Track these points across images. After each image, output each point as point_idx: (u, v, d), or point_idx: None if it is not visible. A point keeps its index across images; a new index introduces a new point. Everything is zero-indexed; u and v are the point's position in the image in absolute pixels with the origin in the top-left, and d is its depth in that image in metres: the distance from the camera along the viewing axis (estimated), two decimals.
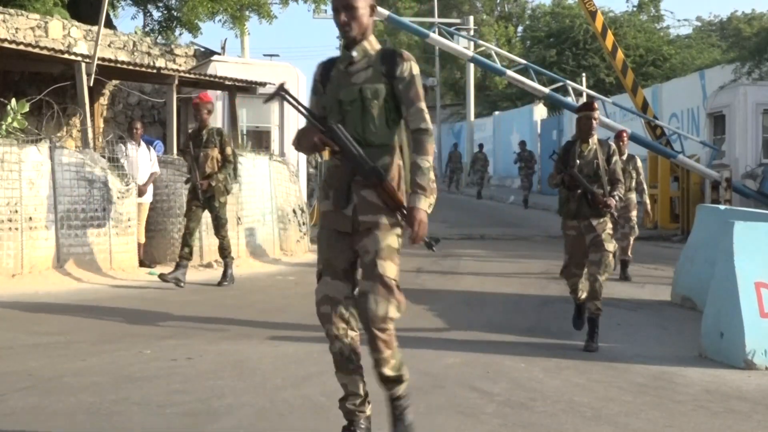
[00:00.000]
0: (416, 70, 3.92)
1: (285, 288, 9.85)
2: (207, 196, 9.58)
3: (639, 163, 10.93)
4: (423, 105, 3.89)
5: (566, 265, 7.02)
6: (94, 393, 4.92)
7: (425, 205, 3.82)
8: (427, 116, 3.91)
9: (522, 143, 25.80)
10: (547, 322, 7.94)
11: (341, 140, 3.76)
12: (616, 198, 6.85)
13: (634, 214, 10.77)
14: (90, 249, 9.86)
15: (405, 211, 3.80)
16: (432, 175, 3.89)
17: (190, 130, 10.49)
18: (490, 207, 24.40)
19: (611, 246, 6.77)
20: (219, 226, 9.76)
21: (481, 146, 29.52)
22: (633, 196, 10.73)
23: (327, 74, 4.00)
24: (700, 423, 4.64)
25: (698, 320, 6.68)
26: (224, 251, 9.82)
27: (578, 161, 6.91)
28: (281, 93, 3.93)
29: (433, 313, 8.11)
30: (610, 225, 6.86)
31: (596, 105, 7.15)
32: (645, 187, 11.37)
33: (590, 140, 6.99)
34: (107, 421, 4.41)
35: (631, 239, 10.77)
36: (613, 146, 7.15)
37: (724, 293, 6.19)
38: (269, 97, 4.12)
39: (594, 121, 6.99)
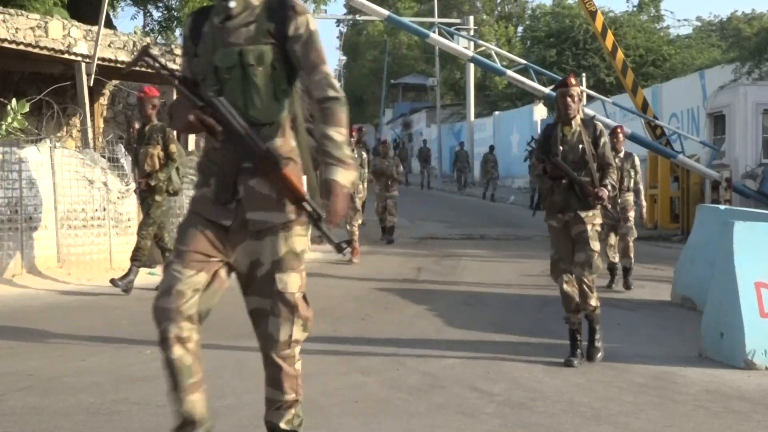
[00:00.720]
0: (314, 25, 3.17)
1: None
2: (144, 196, 8.98)
3: (637, 162, 10.26)
4: (327, 68, 3.18)
5: (554, 262, 6.30)
6: (94, 393, 4.92)
7: (345, 179, 3.13)
8: (335, 81, 3.20)
9: (533, 140, 25.08)
10: (547, 322, 7.94)
11: (224, 117, 3.06)
12: (608, 187, 6.13)
13: (631, 215, 10.08)
14: (90, 249, 9.87)
15: (308, 205, 3.17)
16: (349, 151, 3.18)
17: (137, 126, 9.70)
18: (491, 207, 24.39)
19: (597, 244, 6.14)
20: (144, 224, 8.97)
21: (491, 147, 28.78)
22: (630, 197, 10.11)
23: (198, 30, 3.21)
24: (700, 423, 4.64)
25: (698, 320, 6.67)
26: (136, 252, 8.87)
27: (561, 147, 6.16)
28: (145, 58, 3.15)
29: (433, 313, 8.11)
30: (599, 219, 6.23)
31: (575, 81, 6.29)
32: (641, 187, 10.52)
33: (572, 122, 6.22)
34: (107, 421, 4.41)
35: (630, 241, 10.00)
36: (600, 126, 6.35)
37: (724, 293, 6.19)
38: (131, 63, 3.41)
39: (571, 99, 6.16)
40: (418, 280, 10.52)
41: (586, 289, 6.17)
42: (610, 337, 7.20)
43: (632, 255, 9.97)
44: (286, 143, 3.18)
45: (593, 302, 6.24)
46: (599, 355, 6.18)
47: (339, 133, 3.12)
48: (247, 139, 3.05)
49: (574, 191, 6.09)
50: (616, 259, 10.00)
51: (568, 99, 6.16)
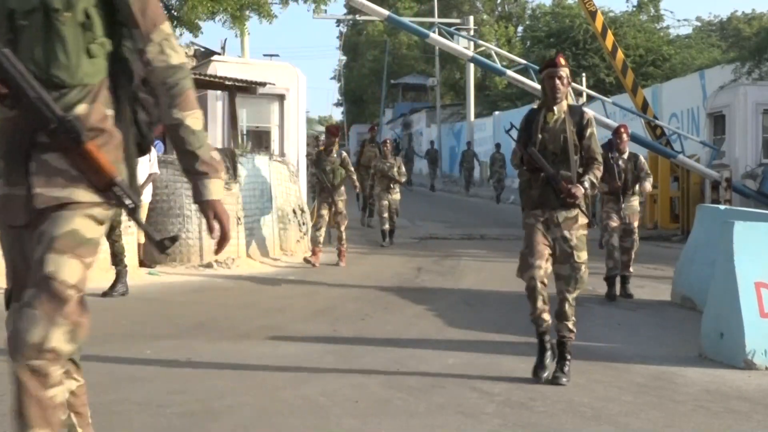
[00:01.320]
0: None
1: (285, 288, 9.85)
2: None
3: (643, 162, 9.37)
4: (168, 27, 2.56)
5: (522, 257, 5.48)
6: (94, 393, 4.90)
7: (219, 190, 2.63)
8: (178, 47, 2.60)
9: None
10: None
11: (11, 76, 2.40)
12: (587, 185, 5.40)
13: (636, 225, 9.31)
14: None
15: (120, 190, 2.56)
16: (208, 144, 2.65)
17: None
18: (491, 207, 24.40)
19: (584, 254, 5.42)
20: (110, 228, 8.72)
21: (498, 146, 27.90)
22: (635, 202, 9.27)
23: None
24: (700, 423, 4.64)
25: (698, 320, 6.67)
26: (114, 257, 8.89)
27: (540, 135, 5.45)
28: None
29: (433, 313, 8.11)
30: (584, 221, 5.48)
31: (565, 61, 5.57)
32: (649, 179, 9.36)
33: (556, 107, 5.49)
34: (107, 421, 4.41)
35: (633, 253, 9.32)
36: (589, 115, 5.69)
37: (724, 293, 6.19)
38: None
39: (560, 81, 5.47)
40: (418, 280, 10.52)
41: (567, 309, 5.46)
42: (611, 337, 7.21)
43: (632, 269, 9.37)
44: (97, 111, 2.53)
45: (570, 326, 5.50)
46: (565, 380, 5.39)
47: (195, 119, 2.58)
48: (38, 103, 2.41)
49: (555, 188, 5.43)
50: (618, 267, 9.17)
51: (557, 81, 5.47)
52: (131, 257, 10.37)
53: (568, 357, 5.52)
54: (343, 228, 11.98)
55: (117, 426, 4.33)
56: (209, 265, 10.98)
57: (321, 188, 12.14)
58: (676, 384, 5.52)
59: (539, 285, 5.36)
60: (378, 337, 6.93)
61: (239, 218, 11.51)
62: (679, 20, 66.79)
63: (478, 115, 35.68)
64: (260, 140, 14.87)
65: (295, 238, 12.95)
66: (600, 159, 5.59)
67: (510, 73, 16.37)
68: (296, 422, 4.47)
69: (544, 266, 5.39)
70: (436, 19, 28.69)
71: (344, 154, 12.58)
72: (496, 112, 35.17)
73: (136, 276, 10.13)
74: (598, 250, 9.69)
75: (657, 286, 9.97)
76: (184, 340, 6.61)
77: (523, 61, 17.67)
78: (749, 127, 17.01)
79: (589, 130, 5.55)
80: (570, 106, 5.63)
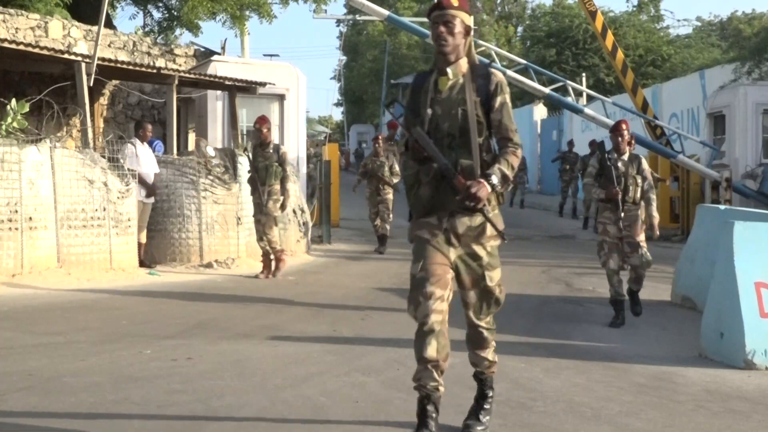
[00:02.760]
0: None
1: (285, 288, 9.84)
2: None
3: (645, 165, 7.94)
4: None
5: (414, 285, 4.02)
6: (94, 393, 4.92)
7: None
8: None
9: (570, 143, 21.48)
10: (546, 322, 7.94)
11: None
12: (494, 179, 3.86)
13: (642, 238, 7.78)
14: (90, 249, 9.86)
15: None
16: None
17: None
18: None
19: (498, 273, 4.14)
20: None
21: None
22: (638, 211, 7.84)
23: None
24: (700, 423, 4.64)
25: (698, 320, 6.67)
26: None
27: (430, 110, 3.98)
28: None
29: None
30: (499, 224, 4.05)
31: (458, 1, 3.97)
32: (653, 196, 7.94)
33: (451, 69, 3.98)
34: (107, 421, 4.41)
35: (643, 272, 7.85)
36: (499, 78, 4.03)
37: (724, 293, 6.19)
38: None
39: (446, 29, 3.93)
40: None
41: (484, 334, 4.27)
42: (611, 337, 7.21)
43: (641, 283, 7.98)
44: None
45: (490, 355, 4.33)
46: (480, 429, 4.27)
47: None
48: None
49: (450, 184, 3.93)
50: (623, 290, 7.81)
51: (441, 29, 3.95)
52: (131, 257, 10.39)
53: (490, 396, 4.37)
54: (270, 233, 10.49)
55: (117, 426, 4.33)
56: (209, 265, 10.98)
57: (253, 188, 10.57)
58: (676, 384, 5.52)
59: (438, 327, 3.96)
60: (378, 337, 6.92)
61: (239, 218, 11.52)
62: (679, 20, 66.86)
63: None
64: None
65: (295, 238, 12.95)
66: (517, 140, 4.05)
67: (510, 73, 16.37)
68: (297, 422, 4.47)
69: (446, 298, 4.01)
70: None
71: (282, 149, 10.79)
72: None
73: (136, 276, 10.13)
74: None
75: (657, 286, 9.96)
76: (184, 340, 6.61)
77: (523, 61, 17.68)
78: (749, 127, 17.02)
79: (498, 99, 4.02)
80: (472, 67, 4.06)
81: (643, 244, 7.76)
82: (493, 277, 4.14)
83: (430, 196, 4.03)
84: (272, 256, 10.54)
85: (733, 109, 17.17)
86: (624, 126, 7.91)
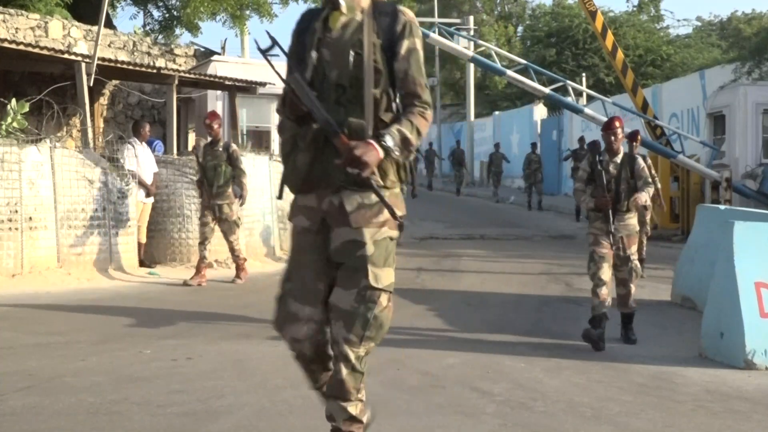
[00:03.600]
0: None
1: None
2: None
3: (642, 166, 7.10)
4: None
5: (281, 295, 3.34)
6: (94, 393, 4.92)
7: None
8: None
9: (581, 139, 20.16)
10: (547, 322, 7.94)
11: None
12: (389, 142, 3.06)
13: (634, 249, 7.07)
14: (90, 249, 9.86)
15: None
16: None
17: None
18: (491, 207, 24.38)
19: (388, 275, 3.18)
20: None
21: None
22: (633, 220, 7.06)
23: None
24: (700, 423, 4.64)
25: (698, 320, 6.68)
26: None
27: (315, 53, 3.19)
28: None
29: (433, 313, 8.10)
30: (387, 217, 3.16)
31: None
32: (649, 188, 7.04)
33: (345, 1, 3.18)
34: (107, 421, 4.41)
35: (633, 287, 7.15)
36: (407, 15, 3.23)
37: (724, 293, 6.19)
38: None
39: None
40: (418, 280, 10.51)
41: (343, 372, 3.13)
42: (611, 337, 7.21)
43: (632, 302, 7.15)
44: None
45: (352, 410, 3.18)
46: None
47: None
48: None
49: (334, 147, 3.06)
50: (606, 303, 6.75)
51: None
52: (131, 257, 10.38)
53: None
54: (232, 238, 9.99)
55: (117, 426, 4.33)
56: (209, 265, 10.97)
57: (200, 189, 9.99)
58: (676, 384, 5.52)
59: (312, 351, 3.23)
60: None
61: (239, 218, 11.52)
62: (679, 20, 66.87)
63: (477, 115, 35.67)
64: (260, 140, 14.89)
65: None
66: (427, 98, 3.21)
67: (510, 73, 16.37)
68: (296, 422, 4.47)
69: (319, 319, 3.20)
70: (436, 19, 28.67)
71: (233, 147, 10.09)
72: (496, 112, 35.17)
73: (136, 276, 10.13)
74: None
75: (657, 286, 9.97)
76: (184, 340, 6.61)
77: (523, 61, 17.67)
78: (749, 127, 17.02)
79: (405, 44, 3.19)
80: (375, 3, 3.24)
81: (634, 256, 7.06)
82: (380, 277, 3.16)
83: (309, 165, 3.20)
84: (237, 260, 10.09)
85: (733, 109, 17.16)
86: (617, 123, 7.07)
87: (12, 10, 14.47)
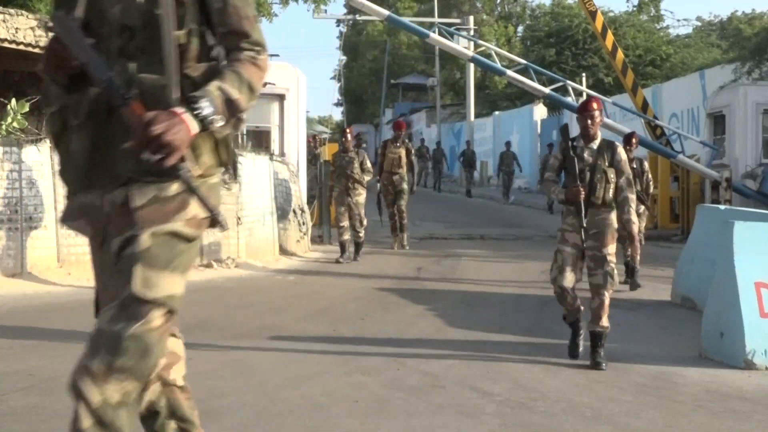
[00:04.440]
0: None
1: (285, 288, 9.85)
2: None
3: (622, 156, 6.21)
4: None
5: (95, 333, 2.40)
6: None
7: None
8: None
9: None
10: (546, 322, 7.94)
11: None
12: (205, 107, 2.22)
13: (611, 250, 6.04)
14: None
15: None
16: None
17: None
18: (491, 207, 24.38)
19: (157, 314, 2.30)
20: None
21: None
22: (610, 215, 6.08)
23: None
24: (700, 423, 4.64)
25: (698, 320, 6.68)
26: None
27: None
28: None
29: (433, 313, 8.10)
30: (193, 213, 2.35)
31: None
32: (630, 195, 6.12)
33: None
34: None
35: (606, 298, 5.99)
36: None
37: (724, 293, 6.19)
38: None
39: None
40: (418, 280, 10.51)
41: (101, 418, 2.21)
42: (610, 337, 7.20)
43: (605, 320, 6.00)
44: None
45: None
46: None
47: None
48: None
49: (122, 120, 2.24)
50: (578, 314, 6.11)
51: None
52: None
53: None
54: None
55: None
56: (209, 265, 10.97)
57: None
58: (676, 384, 5.52)
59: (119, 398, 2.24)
60: (378, 337, 6.92)
61: (239, 218, 11.51)
62: (678, 20, 66.87)
63: (477, 115, 35.66)
64: (260, 140, 14.87)
65: (295, 239, 12.95)
66: (258, 38, 2.40)
67: (510, 72, 16.36)
68: (296, 422, 4.47)
69: (116, 368, 2.25)
70: (436, 19, 28.66)
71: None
72: (496, 112, 35.17)
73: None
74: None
75: (657, 286, 9.96)
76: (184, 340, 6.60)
77: (523, 61, 17.67)
78: (749, 127, 17.02)
79: None
80: None
81: (612, 258, 6.02)
82: (152, 283, 2.27)
83: (88, 150, 2.30)
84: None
85: (733, 109, 17.17)
86: (595, 105, 6.21)
87: (12, 10, 14.45)
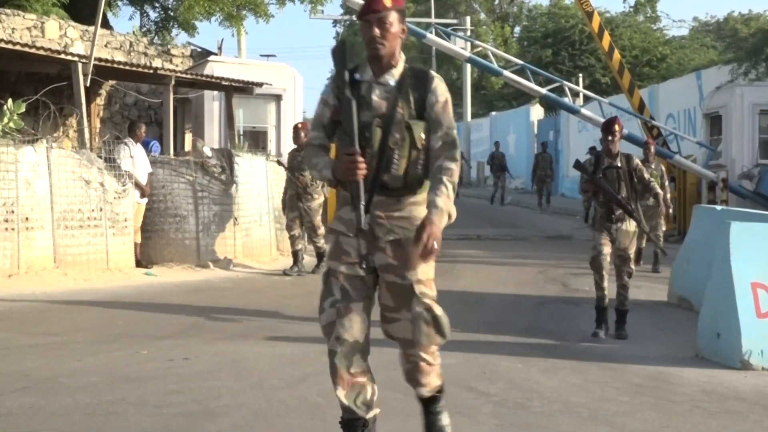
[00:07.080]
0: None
1: (281, 288, 9.84)
2: None
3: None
4: None
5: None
6: (91, 393, 4.91)
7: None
8: None
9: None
10: (543, 323, 7.95)
11: None
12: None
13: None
14: (86, 249, 9.85)
15: None
16: None
17: None
18: (487, 208, 24.39)
19: None
20: None
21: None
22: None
23: None
24: (696, 423, 4.64)
25: (695, 320, 6.68)
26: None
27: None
28: None
29: None
30: None
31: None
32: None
33: None
34: (103, 421, 4.40)
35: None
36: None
37: (721, 294, 6.20)
38: None
39: None
40: None
41: None
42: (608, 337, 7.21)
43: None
44: None
45: None
46: None
47: None
48: None
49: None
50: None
51: None
52: (128, 257, 10.37)
53: None
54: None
55: (113, 426, 4.33)
56: (206, 266, 10.97)
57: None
58: (673, 384, 5.53)
59: None
60: (375, 337, 6.90)
61: (236, 218, 11.51)
62: (675, 21, 66.96)
63: (474, 115, 35.71)
64: (257, 140, 14.88)
65: None
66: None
67: (507, 73, 16.37)
68: (293, 422, 4.47)
69: None
70: (433, 20, 28.67)
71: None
72: (493, 113, 35.20)
73: (133, 276, 10.12)
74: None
75: (653, 286, 9.97)
76: (181, 340, 6.60)
77: (520, 62, 17.67)
78: (746, 127, 17.05)
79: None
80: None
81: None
82: None
83: None
84: None
85: (729, 109, 17.19)
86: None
87: (8, 10, 14.44)
